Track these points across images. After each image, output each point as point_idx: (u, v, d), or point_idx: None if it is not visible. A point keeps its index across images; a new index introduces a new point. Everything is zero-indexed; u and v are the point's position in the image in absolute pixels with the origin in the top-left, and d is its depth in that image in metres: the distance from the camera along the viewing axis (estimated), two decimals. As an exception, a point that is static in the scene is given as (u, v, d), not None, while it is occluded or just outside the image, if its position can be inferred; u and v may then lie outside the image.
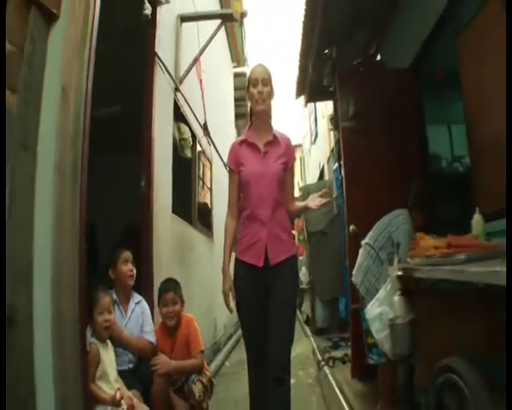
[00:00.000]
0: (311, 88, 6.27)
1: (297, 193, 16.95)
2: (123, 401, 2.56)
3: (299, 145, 19.71)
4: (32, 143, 2.43)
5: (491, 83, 3.07)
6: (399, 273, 2.68)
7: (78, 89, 2.57)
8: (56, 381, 2.25)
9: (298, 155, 21.41)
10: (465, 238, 2.40)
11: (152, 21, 4.22)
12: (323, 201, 2.68)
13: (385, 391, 3.29)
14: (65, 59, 2.56)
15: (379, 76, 4.95)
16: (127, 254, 3.20)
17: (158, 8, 4.36)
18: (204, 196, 7.19)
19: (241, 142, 2.85)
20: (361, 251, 3.65)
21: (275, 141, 2.81)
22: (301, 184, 17.44)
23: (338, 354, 5.55)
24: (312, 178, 14.36)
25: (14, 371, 2.07)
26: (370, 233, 3.63)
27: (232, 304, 2.73)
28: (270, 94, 2.77)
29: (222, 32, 5.60)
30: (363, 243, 3.68)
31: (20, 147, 2.34)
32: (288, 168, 2.84)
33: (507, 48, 2.17)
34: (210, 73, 6.59)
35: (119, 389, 2.62)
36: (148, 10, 3.89)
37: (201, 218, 6.38)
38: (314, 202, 2.70)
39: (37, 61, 2.51)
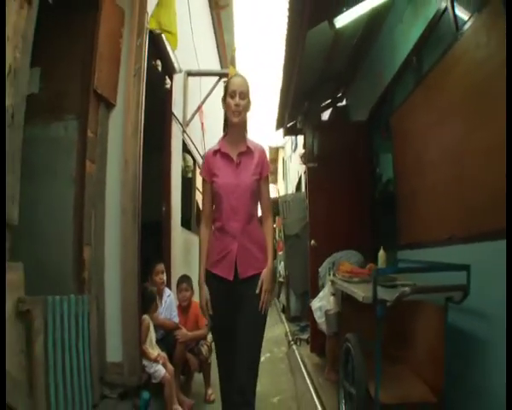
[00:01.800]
0: (287, 127, 7.76)
1: (279, 193, 18.29)
2: (159, 359, 4.06)
3: (282, 147, 20.81)
4: (104, 195, 3.93)
5: (410, 151, 4.58)
6: (334, 279, 4.20)
7: (134, 159, 4.03)
8: (123, 342, 3.79)
9: (281, 156, 22.65)
10: (357, 269, 3.91)
11: (170, 89, 5.67)
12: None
13: (329, 357, 4.80)
14: (126, 138, 4.04)
15: (340, 126, 6.53)
16: (159, 267, 4.65)
17: (173, 76, 5.82)
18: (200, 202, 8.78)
19: (215, 152, 2.82)
20: (323, 265, 5.11)
21: (248, 151, 2.79)
22: (283, 187, 18.54)
23: (304, 336, 7.13)
24: (293, 182, 15.72)
25: (99, 335, 3.58)
26: (332, 256, 5.06)
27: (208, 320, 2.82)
28: (247, 107, 2.76)
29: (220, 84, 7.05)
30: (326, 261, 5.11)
31: (98, 198, 3.84)
32: (262, 179, 2.81)
33: (507, 48, 2.25)
34: (209, 112, 8.03)
35: (158, 352, 4.13)
36: (168, 85, 5.29)
37: (198, 221, 7.90)
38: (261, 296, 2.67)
39: (104, 140, 4.00)
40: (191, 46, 6.78)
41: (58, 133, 3.69)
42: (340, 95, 7.82)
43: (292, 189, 15.00)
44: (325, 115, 8.42)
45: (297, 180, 13.95)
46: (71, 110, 3.76)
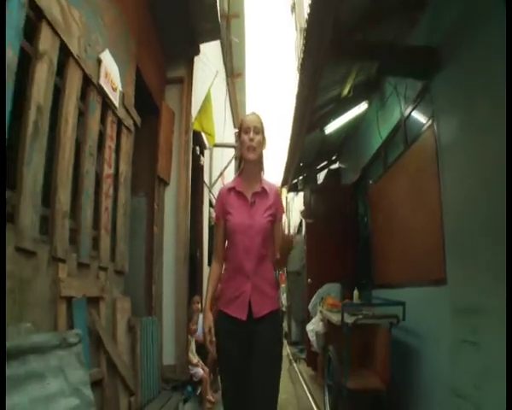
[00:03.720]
0: (290, 186, 9.58)
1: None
2: (198, 364, 5.76)
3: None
4: (163, 248, 5.66)
5: (380, 216, 6.33)
6: (321, 310, 5.90)
7: (185, 222, 5.80)
8: (175, 350, 5.49)
9: (284, 195, 24.21)
10: (336, 303, 5.58)
11: (202, 164, 7.49)
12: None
13: (320, 368, 6.46)
14: (178, 208, 5.80)
15: (332, 189, 8.33)
16: (196, 298, 6.30)
17: (204, 151, 7.64)
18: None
19: (229, 189, 2.77)
20: (313, 298, 6.84)
21: (263, 192, 2.73)
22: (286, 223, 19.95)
23: (302, 356, 8.80)
24: (295, 221, 17.21)
25: (158, 342, 5.27)
26: (318, 291, 6.78)
27: (211, 347, 2.66)
28: (262, 143, 2.71)
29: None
30: (316, 294, 6.84)
31: (160, 250, 5.58)
32: (276, 220, 2.75)
33: (507, 49, 2.31)
34: (228, 174, 9.84)
35: (197, 359, 5.83)
36: (202, 162, 7.06)
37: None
38: None
39: (162, 210, 5.74)
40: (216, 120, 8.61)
41: (135, 205, 5.41)
42: (334, 158, 9.61)
43: (294, 227, 16.48)
44: (321, 175, 10.23)
45: (299, 221, 15.49)
46: (142, 189, 5.49)
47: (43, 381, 2.57)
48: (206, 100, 6.30)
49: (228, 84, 11.95)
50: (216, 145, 8.42)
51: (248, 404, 2.50)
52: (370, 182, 6.94)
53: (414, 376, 4.61)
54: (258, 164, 2.77)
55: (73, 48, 3.13)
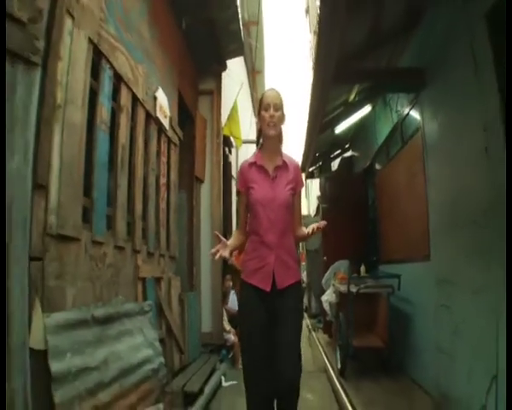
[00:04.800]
0: (307, 174, 10.63)
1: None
2: (230, 331, 6.95)
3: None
4: (200, 236, 6.82)
5: (384, 200, 7.39)
6: (334, 283, 7.00)
7: (218, 215, 6.94)
8: (211, 320, 6.69)
9: (304, 176, 25.22)
10: (345, 276, 6.63)
11: (230, 161, 8.58)
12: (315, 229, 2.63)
13: (334, 334, 7.59)
14: (212, 203, 6.94)
15: (345, 176, 9.36)
16: (227, 277, 7.43)
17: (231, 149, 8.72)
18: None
19: (251, 164, 2.81)
20: (327, 273, 7.94)
21: (284, 166, 2.79)
22: (305, 206, 20.79)
23: (320, 325, 9.98)
24: (314, 203, 18.13)
25: (198, 312, 6.47)
26: (331, 267, 7.87)
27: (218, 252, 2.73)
28: (282, 119, 2.75)
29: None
30: (329, 270, 7.93)
31: (197, 238, 6.73)
32: (296, 194, 2.82)
33: (507, 50, 2.47)
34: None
35: (229, 327, 7.03)
36: (230, 159, 8.17)
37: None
38: (310, 227, 2.67)
39: (199, 204, 6.88)
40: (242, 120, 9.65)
41: (178, 201, 6.53)
42: (347, 146, 10.60)
43: (313, 208, 17.43)
44: (336, 162, 11.24)
45: (316, 205, 16.42)
46: (183, 187, 6.62)
47: (132, 336, 3.74)
48: (234, 109, 7.39)
49: (250, 82, 12.98)
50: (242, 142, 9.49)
51: (271, 365, 2.59)
52: (377, 167, 7.93)
53: (407, 336, 5.66)
54: (278, 139, 2.83)
55: (139, 94, 4.25)
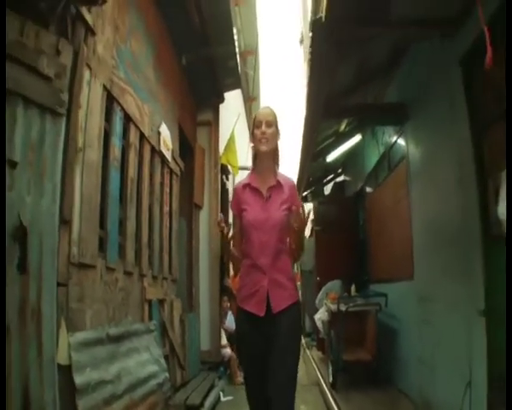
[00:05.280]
0: (302, 198, 11.05)
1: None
2: (227, 346, 7.30)
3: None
4: (199, 259, 7.20)
5: (373, 223, 7.80)
6: (326, 303, 7.37)
7: (215, 238, 7.31)
8: (210, 339, 7.04)
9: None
10: (336, 296, 7.01)
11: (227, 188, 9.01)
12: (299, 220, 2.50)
13: (326, 351, 7.93)
14: (210, 227, 7.34)
15: (337, 200, 9.80)
16: (224, 298, 7.79)
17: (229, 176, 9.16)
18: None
19: (244, 186, 2.71)
20: (320, 293, 8.30)
21: (278, 185, 2.67)
22: None
23: (313, 343, 10.35)
24: (308, 226, 18.50)
25: (198, 332, 6.82)
26: (324, 288, 8.25)
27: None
28: (275, 135, 2.66)
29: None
30: (322, 290, 8.31)
31: (196, 260, 7.11)
32: (291, 214, 2.60)
33: (507, 50, 2.44)
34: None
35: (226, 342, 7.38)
36: (227, 186, 8.57)
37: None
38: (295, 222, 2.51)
39: (198, 228, 7.27)
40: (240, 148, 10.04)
41: (179, 227, 6.91)
42: (339, 171, 11.04)
43: (308, 231, 17.77)
44: (329, 186, 11.68)
45: (310, 228, 16.85)
46: (183, 213, 7.01)
47: (139, 353, 4.11)
48: (231, 139, 7.86)
49: (246, 109, 13.39)
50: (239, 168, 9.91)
51: (268, 394, 2.44)
52: (367, 191, 8.36)
53: (394, 349, 6.01)
54: (272, 157, 2.72)
55: (145, 131, 4.67)
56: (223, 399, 6.14)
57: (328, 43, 3.82)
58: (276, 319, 2.52)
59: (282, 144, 2.80)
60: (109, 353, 3.47)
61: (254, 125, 2.65)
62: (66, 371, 2.87)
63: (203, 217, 7.39)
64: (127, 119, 4.22)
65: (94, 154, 3.40)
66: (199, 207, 7.30)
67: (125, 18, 4.18)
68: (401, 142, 5.95)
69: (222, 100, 7.72)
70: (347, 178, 10.55)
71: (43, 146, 2.75)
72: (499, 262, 2.72)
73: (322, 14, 3.48)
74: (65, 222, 2.92)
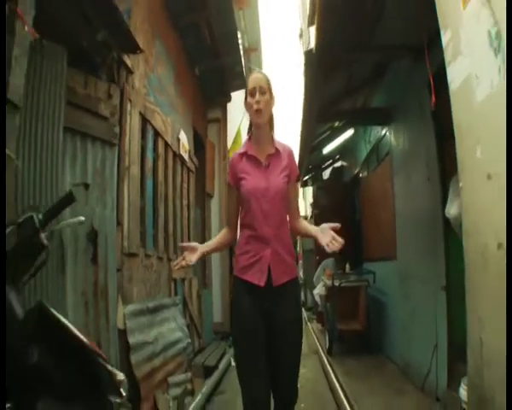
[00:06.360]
0: (302, 183, 12.00)
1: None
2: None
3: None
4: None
5: (366, 206, 8.77)
6: (323, 279, 8.37)
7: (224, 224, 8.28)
8: (222, 311, 8.09)
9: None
10: (331, 272, 8.01)
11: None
12: (335, 246, 2.40)
13: (324, 322, 8.97)
14: (220, 213, 8.32)
15: (335, 185, 10.74)
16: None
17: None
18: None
19: (241, 155, 2.55)
20: (318, 270, 9.31)
21: (277, 153, 2.53)
22: (302, 206, 21.84)
23: (314, 317, 11.42)
24: (308, 209, 19.19)
25: (211, 305, 7.87)
26: (320, 265, 9.24)
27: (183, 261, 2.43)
28: (269, 102, 2.48)
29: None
30: (319, 267, 9.32)
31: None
32: (290, 181, 2.55)
33: (507, 50, 2.28)
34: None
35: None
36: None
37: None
38: (325, 239, 2.42)
39: (209, 215, 8.27)
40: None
41: (195, 215, 7.88)
42: (337, 157, 11.93)
43: (309, 210, 18.52)
44: (328, 171, 12.59)
45: (311, 210, 17.57)
46: (198, 203, 7.96)
47: (169, 322, 5.11)
48: (238, 134, 8.80)
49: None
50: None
51: (267, 375, 2.33)
52: (361, 175, 9.24)
53: (383, 320, 6.95)
54: (269, 125, 2.56)
55: (169, 140, 5.62)
56: (233, 364, 7.04)
57: (320, 68, 4.70)
58: (277, 294, 2.40)
59: (285, 111, 3.01)
60: (149, 321, 4.48)
61: (248, 93, 2.48)
62: (122, 334, 3.88)
63: (214, 204, 8.36)
64: (156, 134, 5.16)
65: (135, 168, 4.38)
66: (210, 196, 8.26)
67: (153, 50, 5.11)
68: (387, 139, 6.77)
69: (229, 99, 8.65)
70: (345, 164, 11.42)
71: (104, 170, 3.72)
72: (457, 248, 2.91)
73: (313, 46, 4.40)
74: (119, 224, 3.91)
